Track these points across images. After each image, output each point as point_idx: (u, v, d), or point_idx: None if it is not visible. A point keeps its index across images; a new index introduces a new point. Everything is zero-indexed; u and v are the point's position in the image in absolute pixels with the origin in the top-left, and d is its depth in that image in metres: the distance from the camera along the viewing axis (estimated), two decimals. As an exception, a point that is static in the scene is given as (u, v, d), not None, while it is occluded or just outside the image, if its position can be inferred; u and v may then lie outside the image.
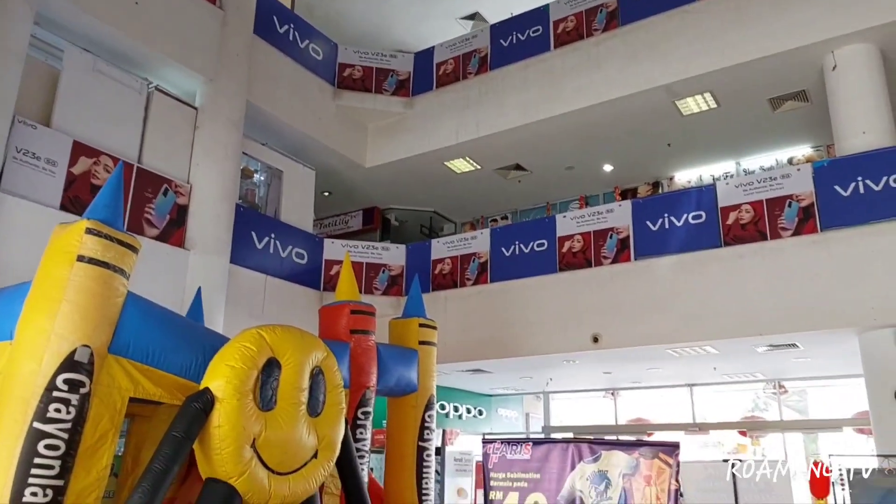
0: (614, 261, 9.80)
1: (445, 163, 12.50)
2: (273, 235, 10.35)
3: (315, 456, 4.88)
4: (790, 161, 11.91)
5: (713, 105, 10.55)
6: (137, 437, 6.16)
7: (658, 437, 14.15)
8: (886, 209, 8.04)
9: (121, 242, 4.34)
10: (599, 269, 9.88)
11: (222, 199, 9.06)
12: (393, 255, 11.61)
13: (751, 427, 12.80)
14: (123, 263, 4.36)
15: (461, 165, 12.62)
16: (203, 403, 4.44)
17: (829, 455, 8.14)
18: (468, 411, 14.22)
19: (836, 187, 8.41)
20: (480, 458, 13.83)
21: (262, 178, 11.06)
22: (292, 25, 11.70)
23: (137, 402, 4.76)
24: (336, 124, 12.21)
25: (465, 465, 13.50)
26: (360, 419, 6.20)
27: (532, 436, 15.00)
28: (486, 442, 2.30)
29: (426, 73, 12.66)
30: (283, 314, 9.44)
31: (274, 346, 4.78)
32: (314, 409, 4.92)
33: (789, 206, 8.64)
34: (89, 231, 4.22)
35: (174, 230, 8.56)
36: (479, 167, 12.65)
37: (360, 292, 9.33)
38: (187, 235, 8.67)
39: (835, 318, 8.13)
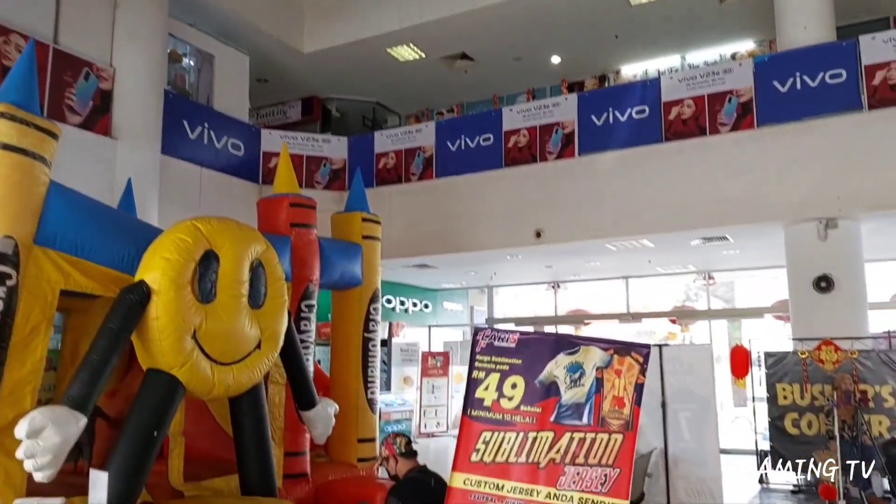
0: (559, 156, 9.83)
1: (388, 50, 12.01)
2: (206, 125, 9.90)
3: (258, 347, 4.90)
4: (733, 56, 11.92)
5: (662, -6, 10.33)
6: (74, 331, 6.07)
7: (595, 326, 14.84)
8: (819, 106, 8.23)
9: (38, 128, 4.06)
10: (544, 164, 9.91)
11: (149, 84, 8.54)
12: (334, 148, 11.32)
13: (680, 315, 13.53)
14: (43, 150, 4.10)
15: (405, 53, 12.17)
16: (139, 296, 4.34)
17: (750, 339, 8.71)
18: (414, 305, 14.50)
19: (775, 83, 8.51)
20: (426, 349, 14.36)
21: (192, 63, 10.43)
22: None
23: (71, 296, 4.63)
24: (270, 4, 11.44)
25: (411, 356, 13.92)
26: (303, 312, 6.22)
27: (478, 326, 15.52)
28: (477, 330, 2.55)
29: (366, -50, 11.88)
30: (221, 208, 9.18)
31: (210, 239, 4.66)
32: (255, 301, 4.89)
33: (729, 101, 8.73)
34: (2, 115, 3.92)
35: (98, 117, 8.09)
36: (423, 55, 12.22)
37: (301, 186, 9.09)
38: (113, 123, 8.21)
39: (764, 211, 8.46)
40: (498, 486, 2.61)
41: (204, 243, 4.61)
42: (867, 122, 8.02)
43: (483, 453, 2.68)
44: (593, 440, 2.60)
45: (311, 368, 6.06)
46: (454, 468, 2.70)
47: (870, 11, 10.51)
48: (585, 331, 14.72)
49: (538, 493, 2.55)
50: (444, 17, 10.97)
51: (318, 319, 6.67)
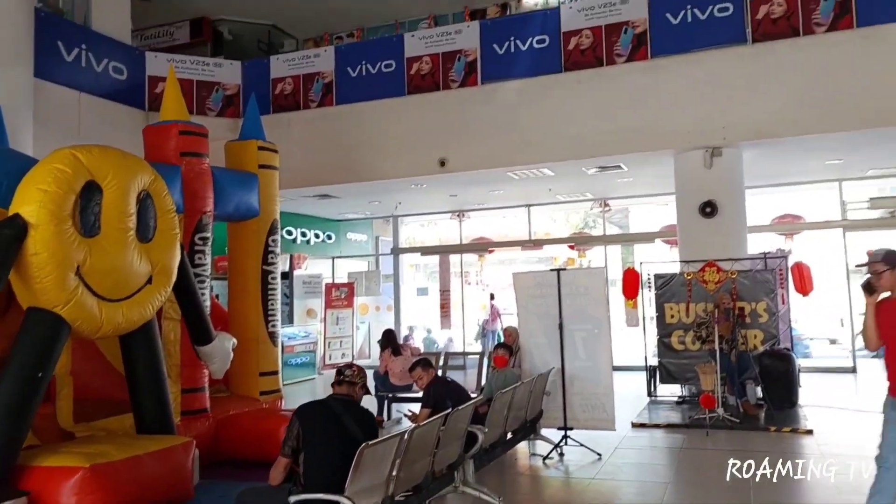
0: (462, 84, 9.77)
1: (283, -31, 11.36)
2: (84, 46, 9.15)
3: (149, 282, 4.72)
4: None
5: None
6: (-57, 270, 5.62)
7: (498, 253, 15.19)
8: (708, 38, 8.56)
9: None
10: (447, 92, 9.83)
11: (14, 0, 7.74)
12: (227, 73, 10.75)
13: (578, 241, 14.06)
14: None
15: (301, -27, 11.54)
16: (14, 230, 4.07)
17: (641, 263, 9.20)
18: (316, 236, 14.29)
19: (668, 15, 8.73)
20: (330, 281, 14.27)
21: (64, -22, 9.50)
22: None
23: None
24: (151, -85, 10.53)
25: (314, 288, 13.80)
26: (197, 245, 6.01)
27: (381, 257, 15.54)
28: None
29: None
30: (104, 136, 8.49)
31: (92, 168, 4.38)
32: (144, 234, 4.68)
33: (625, 32, 8.89)
34: None
35: (-43, 36, 7.28)
36: (320, -24, 11.63)
37: (193, 114, 8.64)
38: (-24, 44, 7.42)
39: (655, 140, 8.81)
40: None
41: (85, 174, 4.34)
42: (750, 55, 8.40)
43: None
44: None
45: (207, 303, 5.93)
46: None
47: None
48: (489, 258, 15.07)
49: None
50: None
51: (214, 253, 6.48)
